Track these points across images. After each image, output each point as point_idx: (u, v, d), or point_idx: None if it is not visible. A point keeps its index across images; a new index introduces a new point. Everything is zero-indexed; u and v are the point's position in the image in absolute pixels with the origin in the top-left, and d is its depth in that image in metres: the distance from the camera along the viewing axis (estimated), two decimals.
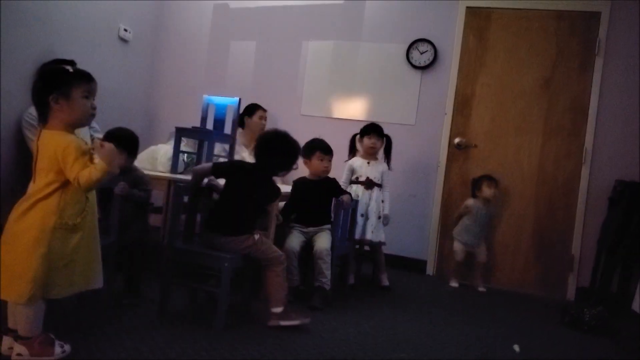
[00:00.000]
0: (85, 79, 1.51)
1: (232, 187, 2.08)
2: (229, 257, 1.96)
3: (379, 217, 2.94)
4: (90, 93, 1.52)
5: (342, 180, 2.95)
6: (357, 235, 2.87)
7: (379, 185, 2.98)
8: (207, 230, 2.08)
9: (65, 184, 1.46)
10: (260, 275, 2.08)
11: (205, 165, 2.10)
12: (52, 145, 1.44)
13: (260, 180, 2.08)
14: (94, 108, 1.55)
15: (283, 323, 1.97)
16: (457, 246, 3.24)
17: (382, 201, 2.98)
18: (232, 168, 2.16)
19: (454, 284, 3.24)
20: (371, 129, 3.00)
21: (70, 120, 1.49)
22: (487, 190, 3.21)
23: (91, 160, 1.48)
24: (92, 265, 1.57)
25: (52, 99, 1.46)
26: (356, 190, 2.95)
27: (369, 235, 2.89)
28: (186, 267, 2.12)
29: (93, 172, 1.43)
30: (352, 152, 3.08)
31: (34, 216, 1.45)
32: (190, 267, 2.14)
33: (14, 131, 2.85)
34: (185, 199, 2.11)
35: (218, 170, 2.09)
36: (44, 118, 1.49)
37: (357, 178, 2.98)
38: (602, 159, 3.29)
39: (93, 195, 1.57)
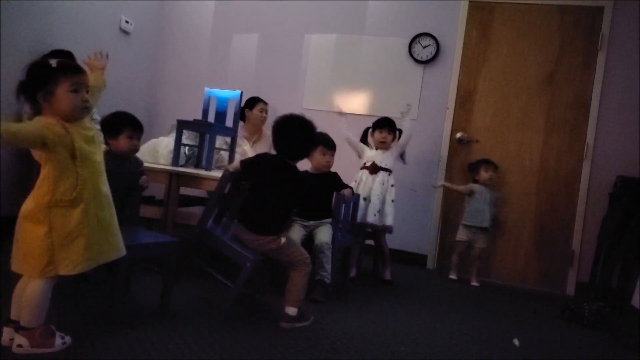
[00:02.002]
0: (70, 72, 1.45)
1: (261, 182, 2.01)
2: (252, 257, 1.95)
3: (385, 201, 2.94)
4: (80, 85, 1.46)
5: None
6: (358, 219, 2.85)
7: (386, 170, 2.98)
8: (238, 222, 2.05)
9: (52, 161, 1.44)
10: (270, 271, 2.08)
11: (235, 163, 2.07)
12: None
13: (286, 170, 2.02)
14: (86, 101, 1.47)
15: (298, 325, 1.97)
16: (462, 232, 3.25)
17: (392, 185, 2.99)
18: (260, 163, 2.07)
19: (453, 276, 3.26)
20: (383, 123, 3.01)
21: (61, 115, 1.45)
22: (484, 174, 3.23)
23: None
24: (107, 237, 1.56)
25: (40, 97, 1.43)
26: (361, 175, 2.98)
27: (370, 219, 2.88)
28: (204, 252, 2.11)
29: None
30: (364, 142, 3.11)
31: (33, 197, 1.48)
32: (209, 252, 2.12)
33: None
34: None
35: (247, 167, 2.05)
36: (37, 115, 1.47)
37: (364, 164, 3.02)
38: (604, 155, 3.29)
39: (92, 169, 1.51)
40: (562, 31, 3.39)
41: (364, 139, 3.12)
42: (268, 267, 2.33)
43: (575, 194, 3.33)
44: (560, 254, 3.35)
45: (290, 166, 2.05)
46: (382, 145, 3.01)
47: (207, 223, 2.07)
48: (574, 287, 3.29)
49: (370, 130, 3.09)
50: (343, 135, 3.00)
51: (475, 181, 3.28)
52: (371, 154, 3.03)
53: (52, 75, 1.43)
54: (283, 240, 1.99)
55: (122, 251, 1.61)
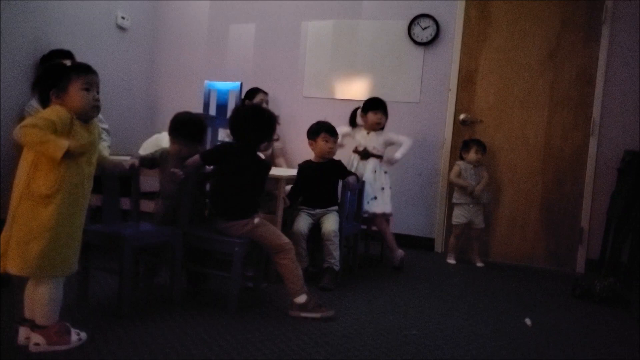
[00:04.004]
0: (83, 72, 1.51)
1: (224, 170, 2.07)
2: (239, 241, 1.97)
3: (382, 189, 2.92)
4: (91, 85, 1.51)
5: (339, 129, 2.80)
6: None
7: (377, 157, 2.96)
8: (211, 216, 2.09)
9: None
10: (268, 257, 2.08)
11: (194, 157, 2.05)
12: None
13: (247, 156, 2.06)
14: (97, 100, 1.53)
15: (304, 315, 1.95)
16: (458, 215, 3.24)
17: (385, 172, 2.97)
18: (219, 152, 2.13)
19: (451, 260, 3.24)
20: (378, 104, 2.96)
21: (73, 112, 1.48)
22: (472, 155, 3.22)
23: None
24: (67, 251, 1.48)
25: (53, 94, 1.47)
26: (352, 160, 2.95)
27: (365, 207, 2.86)
28: (192, 251, 2.13)
29: (34, 132, 1.36)
30: (352, 125, 3.06)
31: (14, 186, 1.46)
32: (196, 251, 2.15)
33: (16, 122, 2.84)
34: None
35: (207, 159, 2.07)
36: None
37: (355, 148, 2.98)
38: (611, 130, 3.24)
39: (75, 175, 1.47)
40: (563, 6, 3.33)
41: (352, 119, 3.05)
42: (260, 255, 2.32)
43: (582, 170, 3.30)
44: (569, 232, 3.33)
45: (250, 151, 2.08)
46: (377, 127, 2.96)
47: (186, 227, 2.05)
48: (584, 264, 3.27)
49: (359, 110, 3.03)
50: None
51: (462, 158, 3.27)
52: (363, 139, 2.96)
53: (67, 73, 1.48)
54: (256, 220, 2.00)
55: (74, 268, 1.51)
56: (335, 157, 2.66)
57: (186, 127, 2.10)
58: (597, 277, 2.59)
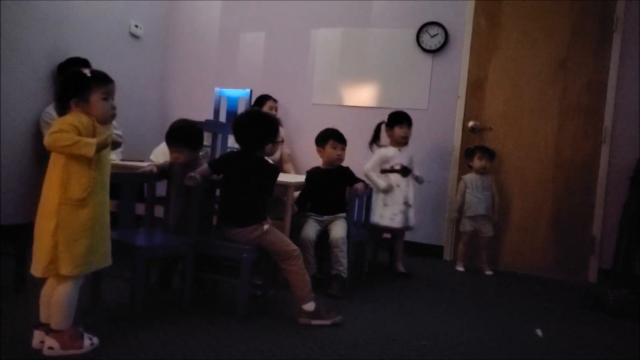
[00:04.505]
0: (102, 82, 1.57)
1: (230, 177, 2.08)
2: (247, 248, 1.98)
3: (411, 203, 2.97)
4: (109, 94, 1.58)
5: (367, 166, 2.91)
6: (400, 224, 2.88)
7: (412, 171, 2.99)
8: (220, 223, 2.11)
9: (69, 157, 1.48)
10: (276, 264, 2.08)
11: (203, 167, 2.08)
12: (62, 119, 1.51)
13: (253, 162, 2.07)
14: (114, 108, 1.60)
15: (314, 322, 1.95)
16: (465, 223, 3.23)
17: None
18: (226, 160, 2.14)
19: (460, 267, 3.22)
20: (403, 118, 2.95)
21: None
22: (477, 162, 3.20)
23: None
24: (105, 243, 1.58)
25: (74, 103, 1.52)
26: (394, 179, 2.91)
27: (412, 222, 2.94)
28: (201, 259, 2.14)
29: (64, 136, 1.43)
30: (376, 139, 3.03)
31: (45, 194, 1.51)
32: (205, 258, 2.16)
33: (32, 129, 2.90)
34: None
35: (215, 167, 2.08)
36: None
37: (392, 167, 2.94)
38: (622, 138, 3.21)
39: (104, 172, 1.57)
40: (574, 14, 3.31)
41: (376, 134, 3.04)
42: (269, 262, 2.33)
43: (593, 179, 3.26)
44: (580, 242, 3.28)
45: (257, 157, 2.09)
46: (403, 141, 2.95)
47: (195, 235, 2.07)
48: (596, 274, 3.23)
49: (384, 124, 3.02)
50: (365, 170, 2.90)
51: (470, 167, 3.26)
52: (397, 157, 2.93)
53: (88, 83, 1.54)
54: (266, 227, 2.01)
55: (109, 261, 1.61)
56: (343, 164, 2.67)
57: (182, 133, 2.12)
58: (609, 288, 2.55)
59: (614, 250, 3.08)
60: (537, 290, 2.91)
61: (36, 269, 1.51)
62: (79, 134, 1.47)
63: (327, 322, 1.96)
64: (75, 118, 1.50)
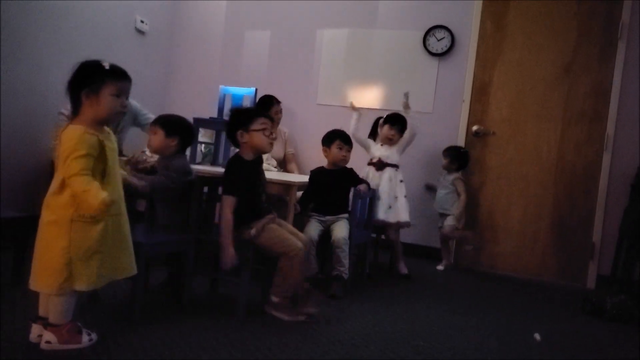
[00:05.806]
0: (118, 78, 1.51)
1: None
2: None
3: (396, 197, 2.93)
4: (122, 92, 1.52)
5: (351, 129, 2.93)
6: (385, 217, 2.88)
7: (393, 166, 2.97)
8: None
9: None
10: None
11: (230, 198, 1.96)
12: (67, 138, 1.45)
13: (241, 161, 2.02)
14: (125, 106, 1.54)
15: (274, 313, 1.99)
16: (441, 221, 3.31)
17: (401, 180, 2.98)
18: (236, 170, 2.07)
19: (439, 266, 3.28)
20: (396, 120, 2.99)
21: (96, 116, 1.50)
22: (444, 161, 3.29)
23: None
24: (120, 256, 1.57)
25: (84, 94, 1.48)
26: (368, 171, 2.97)
27: (381, 215, 2.88)
28: (205, 258, 2.15)
29: (93, 195, 1.40)
30: (373, 134, 3.12)
31: (53, 209, 1.48)
32: (209, 257, 2.17)
33: (33, 122, 2.90)
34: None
35: (233, 188, 1.99)
36: (76, 111, 1.52)
37: (370, 160, 3.01)
38: (625, 145, 3.22)
39: (116, 185, 1.55)
40: (579, 20, 3.32)
41: (374, 129, 3.11)
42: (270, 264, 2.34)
43: (594, 185, 3.27)
44: (580, 247, 3.29)
45: (233, 157, 2.06)
46: (388, 142, 3.00)
47: (198, 233, 2.07)
48: (595, 280, 3.24)
49: (381, 120, 3.07)
50: (351, 131, 2.91)
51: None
52: (377, 151, 3.02)
53: (102, 75, 1.48)
54: (253, 231, 1.95)
55: (134, 270, 1.62)
56: (348, 166, 2.68)
57: (164, 116, 2.09)
58: (608, 294, 2.56)
59: (613, 256, 3.09)
60: (536, 295, 2.92)
61: (48, 285, 1.47)
62: (93, 157, 1.44)
63: (285, 317, 1.98)
64: (84, 144, 1.43)
